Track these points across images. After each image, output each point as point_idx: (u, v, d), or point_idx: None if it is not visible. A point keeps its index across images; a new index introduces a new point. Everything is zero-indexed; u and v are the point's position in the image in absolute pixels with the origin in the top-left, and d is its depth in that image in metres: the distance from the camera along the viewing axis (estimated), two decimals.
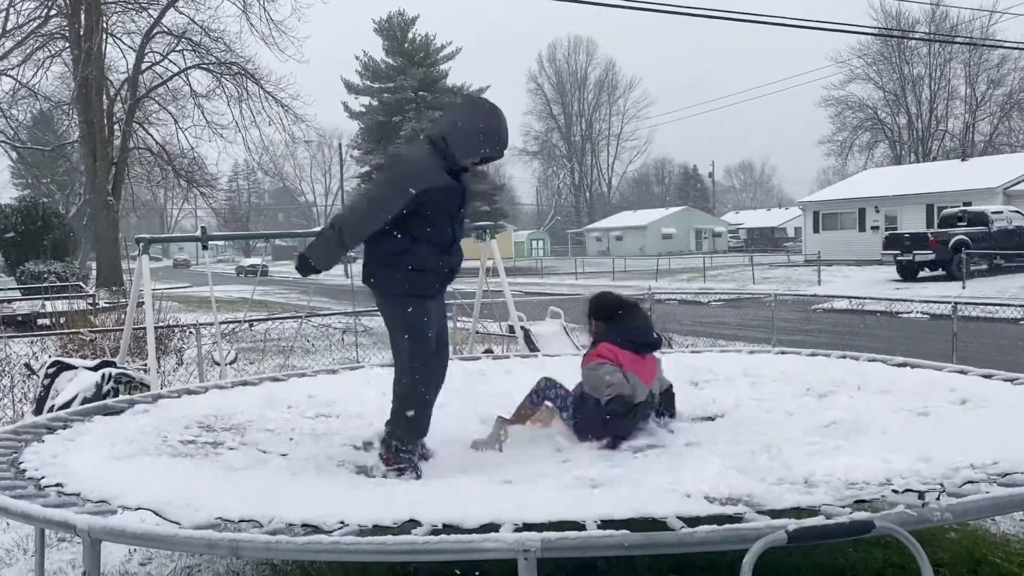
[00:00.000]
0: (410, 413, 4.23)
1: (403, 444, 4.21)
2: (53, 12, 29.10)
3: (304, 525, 2.89)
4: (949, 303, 10.17)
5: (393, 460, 4.20)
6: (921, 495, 2.82)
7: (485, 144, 4.17)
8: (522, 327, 9.28)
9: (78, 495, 3.36)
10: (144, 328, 8.39)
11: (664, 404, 4.81)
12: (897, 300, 16.49)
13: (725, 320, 18.86)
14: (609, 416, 4.45)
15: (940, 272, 26.77)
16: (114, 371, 7.32)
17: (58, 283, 21.63)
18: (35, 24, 29.02)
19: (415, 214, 4.16)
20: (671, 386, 4.91)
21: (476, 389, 5.68)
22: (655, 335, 4.74)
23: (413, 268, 4.21)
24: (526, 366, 6.61)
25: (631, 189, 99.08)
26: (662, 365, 4.81)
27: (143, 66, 30.94)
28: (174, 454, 4.24)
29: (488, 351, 9.65)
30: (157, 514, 3.09)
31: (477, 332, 10.61)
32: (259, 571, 4.13)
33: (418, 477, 4.14)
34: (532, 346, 9.12)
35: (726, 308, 21.91)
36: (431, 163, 4.18)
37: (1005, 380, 5.18)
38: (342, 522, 2.87)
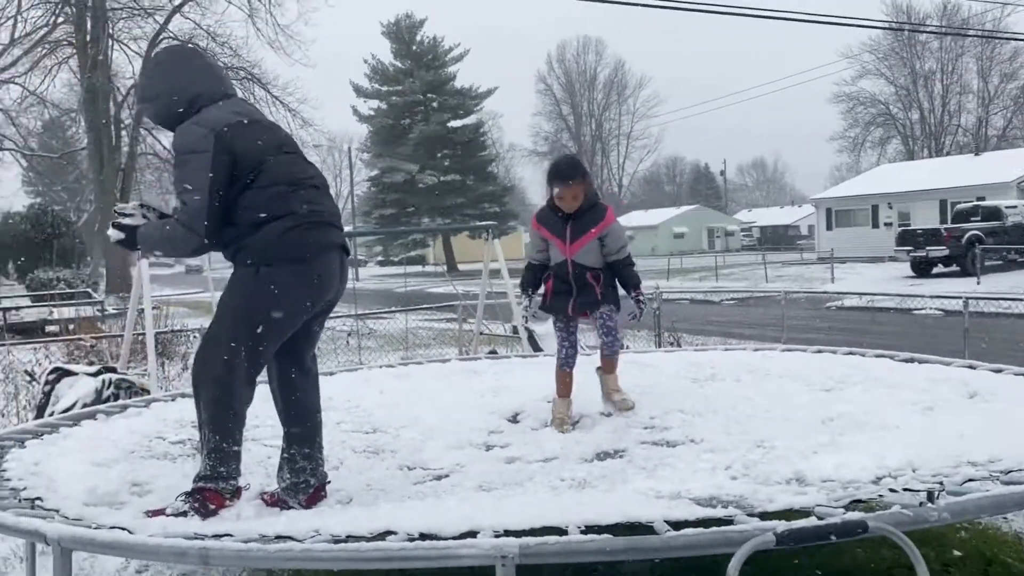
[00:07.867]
0: None
1: None
2: (60, 19, 29.20)
3: (278, 536, 2.79)
4: (960, 298, 9.94)
5: None
6: (920, 494, 2.69)
7: None
8: (525, 327, 9.17)
9: (57, 511, 3.26)
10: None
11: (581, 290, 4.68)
12: (908, 296, 16.28)
13: (736, 319, 18.67)
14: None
15: (954, 268, 26.49)
16: (114, 376, 7.26)
17: (68, 290, 21.60)
18: (42, 32, 29.13)
19: None
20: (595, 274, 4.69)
21: (469, 385, 5.63)
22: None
23: None
24: (527, 365, 6.55)
25: (642, 188, 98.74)
26: (607, 242, 4.67)
27: None
28: (161, 458, 4.16)
29: (492, 352, 9.56)
30: (130, 531, 2.97)
31: (482, 333, 10.56)
32: None
33: None
34: (536, 346, 9.02)
35: (738, 307, 21.71)
36: None
37: (1017, 375, 5.03)
38: (316, 531, 2.77)
